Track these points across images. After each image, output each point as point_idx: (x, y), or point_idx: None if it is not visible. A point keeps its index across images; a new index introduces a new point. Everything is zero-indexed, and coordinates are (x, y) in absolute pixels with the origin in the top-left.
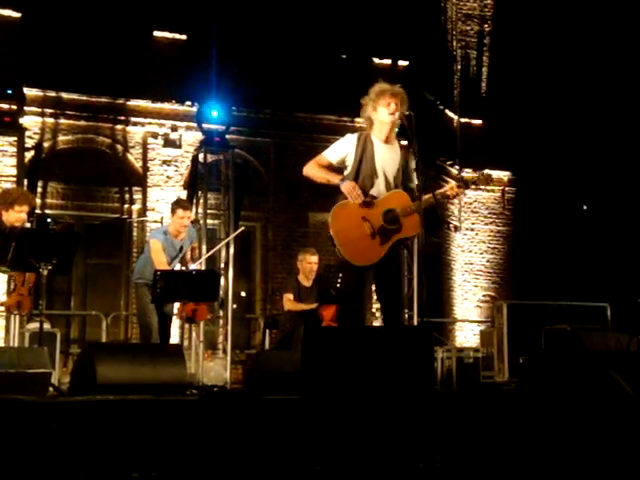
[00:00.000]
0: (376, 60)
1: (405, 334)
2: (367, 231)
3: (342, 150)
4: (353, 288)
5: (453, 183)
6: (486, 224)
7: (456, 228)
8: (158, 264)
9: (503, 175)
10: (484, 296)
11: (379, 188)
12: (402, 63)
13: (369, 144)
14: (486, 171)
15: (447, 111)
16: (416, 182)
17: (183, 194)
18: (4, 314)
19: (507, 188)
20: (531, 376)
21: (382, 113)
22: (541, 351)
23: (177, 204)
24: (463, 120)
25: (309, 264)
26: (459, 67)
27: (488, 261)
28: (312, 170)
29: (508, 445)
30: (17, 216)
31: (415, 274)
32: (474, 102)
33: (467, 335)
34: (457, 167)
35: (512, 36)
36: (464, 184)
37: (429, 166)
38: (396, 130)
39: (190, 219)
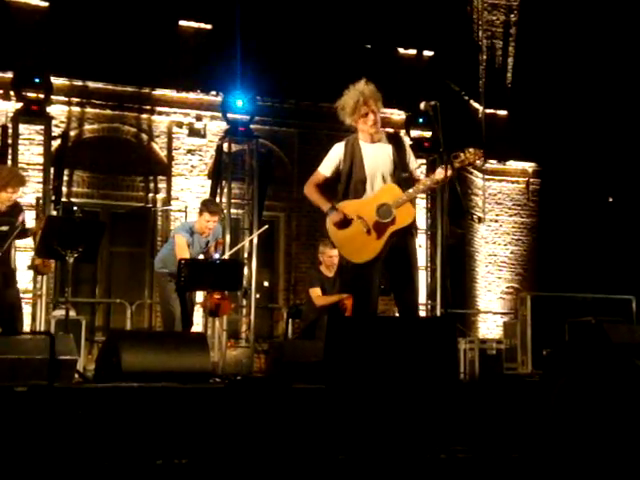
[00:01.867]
0: (401, 50)
1: (429, 325)
2: (363, 229)
3: (333, 161)
4: (361, 284)
5: (440, 169)
6: (510, 215)
7: (480, 219)
8: (180, 256)
9: (528, 166)
10: (507, 288)
11: (373, 190)
12: (427, 53)
13: (356, 148)
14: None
15: (472, 102)
16: (413, 166)
17: (207, 183)
18: (31, 301)
19: (532, 179)
20: (555, 368)
21: (363, 126)
22: (565, 343)
23: (205, 206)
24: (488, 111)
25: (330, 257)
26: (484, 57)
27: (512, 252)
28: (309, 192)
29: (530, 437)
30: (8, 196)
31: (438, 265)
32: (499, 93)
33: (490, 327)
34: (482, 158)
35: (538, 26)
36: (452, 168)
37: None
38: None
39: (216, 222)
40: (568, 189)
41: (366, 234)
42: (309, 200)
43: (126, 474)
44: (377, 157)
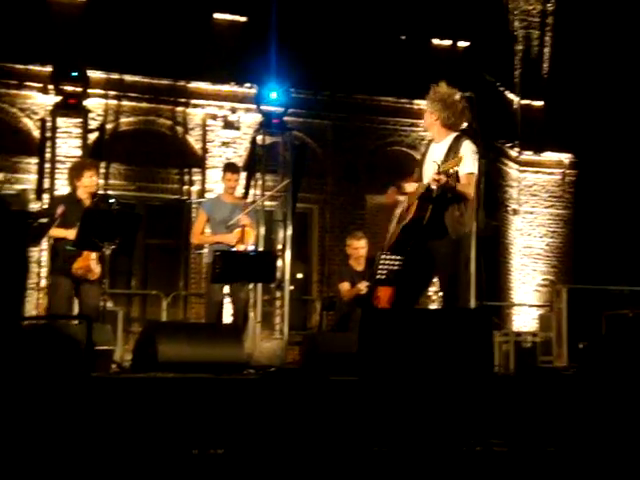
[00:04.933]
0: (436, 41)
1: (464, 317)
2: (394, 218)
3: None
4: (407, 271)
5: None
6: (546, 207)
7: (515, 211)
8: (192, 234)
9: (564, 157)
10: (543, 280)
11: None
12: (462, 44)
13: (427, 148)
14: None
15: (507, 92)
16: (461, 170)
17: (242, 176)
18: None
19: (568, 170)
20: (591, 362)
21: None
22: (602, 336)
23: (226, 167)
24: (524, 102)
25: (355, 250)
26: (520, 47)
27: (547, 245)
28: None
29: (566, 431)
30: (90, 181)
31: (473, 257)
32: (535, 83)
33: (525, 319)
34: (517, 149)
35: (575, 15)
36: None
37: (489, 148)
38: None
39: (237, 181)
40: (604, 180)
41: (395, 223)
42: None
43: (163, 463)
44: (431, 157)
